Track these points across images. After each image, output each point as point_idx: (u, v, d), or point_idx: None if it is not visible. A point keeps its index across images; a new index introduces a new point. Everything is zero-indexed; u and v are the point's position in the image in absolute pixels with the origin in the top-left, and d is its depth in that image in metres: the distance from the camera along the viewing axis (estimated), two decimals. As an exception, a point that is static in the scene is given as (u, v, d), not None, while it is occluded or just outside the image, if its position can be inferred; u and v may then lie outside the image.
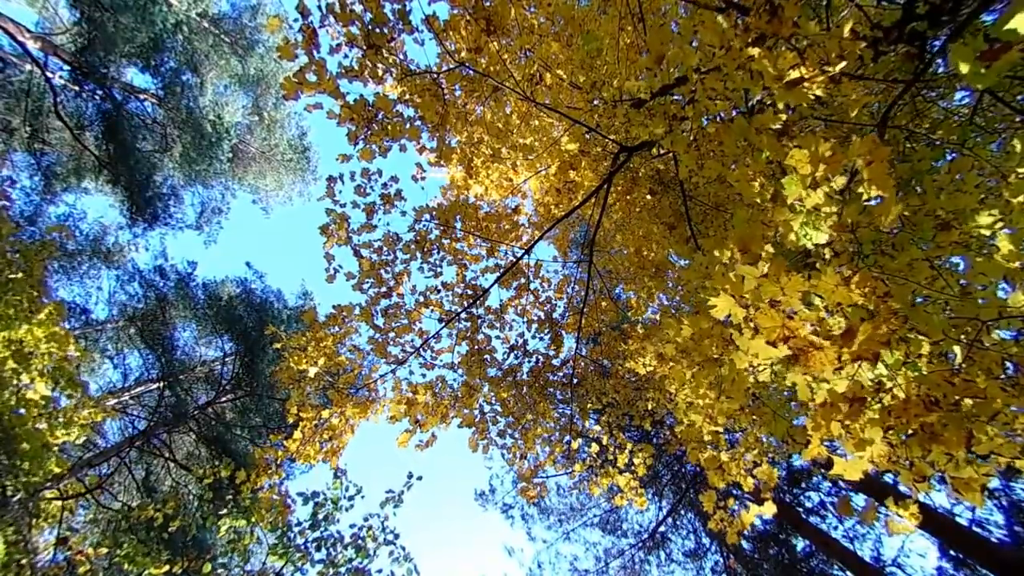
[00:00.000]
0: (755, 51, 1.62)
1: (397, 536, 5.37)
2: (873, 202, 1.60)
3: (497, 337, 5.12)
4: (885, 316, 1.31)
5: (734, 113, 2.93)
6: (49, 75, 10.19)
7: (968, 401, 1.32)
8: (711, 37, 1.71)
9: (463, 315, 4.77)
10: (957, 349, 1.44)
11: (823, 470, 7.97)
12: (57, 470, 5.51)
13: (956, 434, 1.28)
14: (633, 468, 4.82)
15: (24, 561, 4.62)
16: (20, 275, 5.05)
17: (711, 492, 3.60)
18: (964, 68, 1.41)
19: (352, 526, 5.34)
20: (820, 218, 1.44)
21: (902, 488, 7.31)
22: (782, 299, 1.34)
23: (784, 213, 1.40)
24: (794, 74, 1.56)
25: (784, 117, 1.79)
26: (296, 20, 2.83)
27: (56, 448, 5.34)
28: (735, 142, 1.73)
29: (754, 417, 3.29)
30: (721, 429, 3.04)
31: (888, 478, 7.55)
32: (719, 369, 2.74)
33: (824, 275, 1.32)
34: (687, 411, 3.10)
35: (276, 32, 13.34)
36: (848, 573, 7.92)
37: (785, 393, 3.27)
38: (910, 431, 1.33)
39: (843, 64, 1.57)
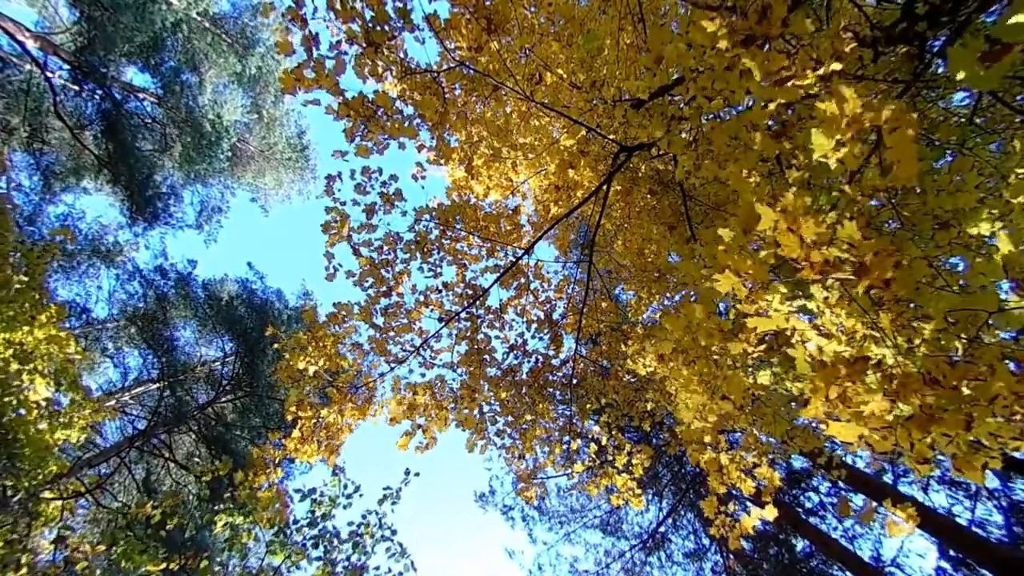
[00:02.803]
0: (741, 51, 1.61)
1: (395, 532, 5.37)
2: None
3: (497, 337, 5.11)
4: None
5: (734, 112, 2.93)
6: (49, 75, 10.18)
7: (966, 388, 1.32)
8: (701, 37, 1.71)
9: (463, 315, 4.76)
10: (958, 344, 1.44)
11: (823, 470, 7.96)
12: (56, 470, 5.51)
13: (955, 416, 1.29)
14: (631, 469, 4.81)
15: (24, 560, 4.62)
16: (25, 279, 5.07)
17: (712, 498, 3.57)
18: (961, 75, 1.41)
19: (350, 524, 5.34)
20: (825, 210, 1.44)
21: (901, 489, 7.29)
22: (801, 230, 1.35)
23: (787, 199, 1.38)
24: (784, 74, 1.56)
25: (772, 109, 1.78)
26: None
27: (56, 448, 5.34)
28: (725, 140, 1.72)
29: (754, 418, 3.29)
30: (710, 425, 3.02)
31: (888, 478, 7.55)
32: (712, 366, 2.74)
33: (844, 227, 1.33)
34: (682, 410, 3.09)
35: (275, 28, 13.33)
36: (848, 573, 7.92)
37: (784, 393, 3.26)
38: (910, 414, 1.34)
39: (837, 64, 1.56)
